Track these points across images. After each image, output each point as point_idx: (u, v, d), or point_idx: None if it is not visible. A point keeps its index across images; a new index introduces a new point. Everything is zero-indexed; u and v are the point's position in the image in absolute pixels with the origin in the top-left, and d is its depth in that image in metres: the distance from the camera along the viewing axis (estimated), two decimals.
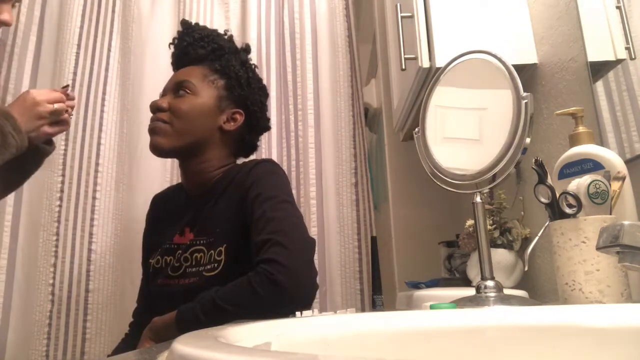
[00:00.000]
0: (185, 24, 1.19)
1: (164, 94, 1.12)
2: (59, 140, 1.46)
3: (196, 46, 1.13)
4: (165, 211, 1.19)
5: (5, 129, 0.90)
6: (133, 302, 1.21)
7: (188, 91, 1.07)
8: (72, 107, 1.08)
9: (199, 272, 1.00)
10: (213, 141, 1.09)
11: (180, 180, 1.19)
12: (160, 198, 1.24)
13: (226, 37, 1.18)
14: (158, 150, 1.06)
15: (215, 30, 1.17)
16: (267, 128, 1.21)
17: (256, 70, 1.19)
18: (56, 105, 0.99)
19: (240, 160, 1.17)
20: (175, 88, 1.09)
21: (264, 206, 0.96)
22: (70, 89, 1.13)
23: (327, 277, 1.49)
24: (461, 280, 1.17)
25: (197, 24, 1.19)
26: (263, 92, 1.18)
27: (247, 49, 1.20)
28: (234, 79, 1.11)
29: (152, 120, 1.07)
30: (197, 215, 1.07)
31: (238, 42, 1.22)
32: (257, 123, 1.15)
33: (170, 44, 1.19)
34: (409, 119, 1.31)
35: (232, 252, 0.99)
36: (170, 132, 1.05)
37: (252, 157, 1.23)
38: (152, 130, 1.06)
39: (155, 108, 1.07)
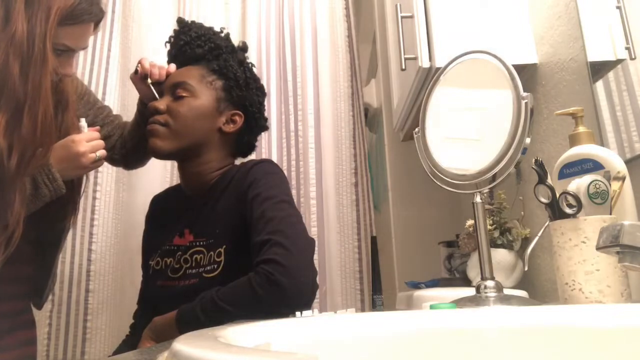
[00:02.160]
0: (181, 22, 1.18)
1: (161, 95, 1.11)
2: None
3: (193, 45, 1.13)
4: (164, 213, 1.18)
5: (39, 179, 0.87)
6: (133, 302, 1.21)
7: (186, 93, 1.07)
8: None
9: (199, 274, 1.00)
10: (212, 143, 1.09)
11: (179, 181, 1.19)
12: (159, 199, 1.24)
13: (222, 35, 1.17)
14: (157, 152, 1.06)
15: (211, 29, 1.17)
16: (265, 128, 1.21)
17: (254, 69, 1.19)
18: (98, 154, 0.96)
19: (238, 161, 1.17)
20: (173, 89, 1.08)
21: (263, 206, 0.95)
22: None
23: (327, 277, 1.49)
24: (461, 280, 1.17)
25: (193, 22, 1.19)
26: (261, 92, 1.18)
27: (244, 48, 1.19)
28: (232, 79, 1.10)
29: (150, 122, 1.07)
30: (196, 217, 1.07)
31: (237, 42, 1.22)
32: (256, 123, 1.15)
33: (166, 42, 1.19)
34: (409, 119, 1.31)
35: (231, 253, 0.99)
36: (168, 134, 1.05)
37: (252, 157, 1.23)
38: (151, 133, 1.06)
39: (153, 110, 1.07)
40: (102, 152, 0.97)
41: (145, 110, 1.12)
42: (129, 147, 1.18)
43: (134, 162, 1.24)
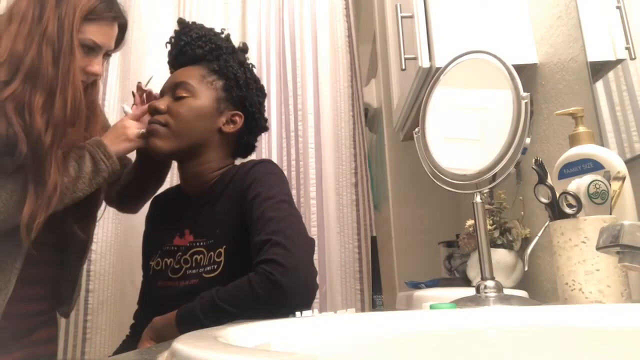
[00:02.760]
0: (181, 22, 1.18)
1: (161, 95, 1.11)
2: None
3: (194, 46, 1.13)
4: (164, 213, 1.18)
5: (97, 156, 1.00)
6: (133, 302, 1.21)
7: (186, 93, 1.07)
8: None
9: (199, 274, 1.00)
10: (212, 143, 1.09)
11: (179, 181, 1.19)
12: (159, 200, 1.24)
13: (223, 36, 1.17)
14: (156, 153, 1.06)
15: (212, 29, 1.17)
16: (265, 128, 1.21)
17: (254, 69, 1.19)
18: (143, 130, 1.07)
19: (238, 161, 1.17)
20: (173, 89, 1.08)
21: (263, 206, 0.95)
22: (145, 87, 1.21)
23: (327, 277, 1.49)
24: (461, 280, 1.17)
25: (193, 22, 1.19)
26: (261, 93, 1.18)
27: (244, 48, 1.19)
28: (232, 80, 1.10)
29: (150, 122, 1.07)
30: (196, 217, 1.07)
31: (237, 42, 1.22)
32: (256, 124, 1.15)
33: (167, 43, 1.19)
34: (409, 119, 1.31)
35: (231, 253, 0.99)
36: (168, 134, 1.05)
37: (252, 157, 1.23)
38: (150, 133, 1.06)
39: (153, 110, 1.07)
40: (147, 127, 1.08)
41: (146, 160, 1.15)
42: (122, 186, 1.20)
43: (125, 203, 1.27)
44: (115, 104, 1.59)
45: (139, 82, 1.22)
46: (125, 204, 1.27)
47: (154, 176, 1.22)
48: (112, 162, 1.01)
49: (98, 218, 1.15)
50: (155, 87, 1.17)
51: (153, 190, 1.25)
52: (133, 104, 1.17)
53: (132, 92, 1.21)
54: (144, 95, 1.19)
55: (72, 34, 0.93)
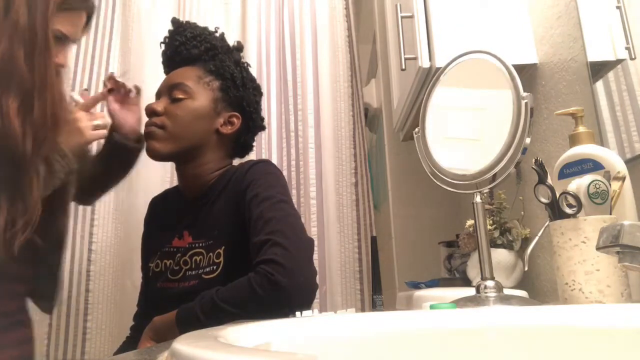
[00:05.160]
0: (175, 22, 1.18)
1: (158, 96, 1.10)
2: None
3: (189, 46, 1.12)
4: (163, 214, 1.18)
5: (50, 157, 0.89)
6: (133, 302, 1.21)
7: (183, 94, 1.06)
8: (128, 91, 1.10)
9: (199, 275, 1.00)
10: (209, 144, 1.09)
11: (178, 182, 1.19)
12: (158, 201, 1.24)
13: (217, 35, 1.17)
14: (154, 155, 1.06)
15: (206, 29, 1.16)
16: (263, 128, 1.21)
17: (249, 68, 1.18)
18: (97, 121, 1.00)
19: (237, 161, 1.16)
20: (170, 91, 1.07)
21: (262, 206, 0.95)
22: (119, 80, 1.12)
23: (327, 277, 1.49)
24: (461, 280, 1.17)
25: (187, 22, 1.18)
26: (258, 92, 1.17)
27: (239, 47, 1.19)
28: (229, 80, 1.10)
29: (147, 124, 1.06)
30: (195, 218, 1.06)
31: (237, 42, 1.22)
32: (253, 124, 1.15)
33: (161, 43, 1.18)
34: (409, 119, 1.31)
35: (230, 253, 0.99)
36: (166, 136, 1.05)
37: (251, 157, 1.23)
38: (148, 135, 1.05)
39: (150, 112, 1.07)
40: (103, 120, 1.01)
41: (113, 156, 1.10)
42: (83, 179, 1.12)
43: (83, 197, 1.20)
44: None
45: (112, 73, 1.17)
46: (83, 198, 1.20)
47: (121, 173, 1.17)
48: (68, 160, 0.92)
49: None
50: (152, 89, 1.16)
51: (116, 184, 1.20)
52: (85, 89, 1.10)
53: (104, 82, 1.12)
54: (115, 88, 1.11)
55: (46, 29, 0.83)
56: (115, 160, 1.11)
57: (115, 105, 1.10)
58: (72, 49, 1.58)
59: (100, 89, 1.55)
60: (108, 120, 1.01)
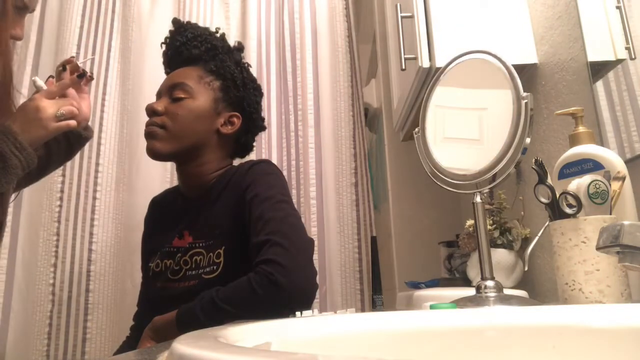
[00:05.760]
0: (176, 22, 1.18)
1: (159, 96, 1.11)
2: None
3: (189, 46, 1.13)
4: (163, 214, 1.18)
5: (7, 149, 0.80)
6: (133, 302, 1.21)
7: (184, 94, 1.06)
8: (89, 79, 0.96)
9: (199, 275, 1.00)
10: (210, 144, 1.09)
11: (178, 182, 1.19)
12: (158, 201, 1.24)
13: (218, 35, 1.17)
14: (155, 154, 1.06)
15: (207, 29, 1.17)
16: (263, 128, 1.21)
17: (250, 69, 1.19)
18: (62, 110, 0.87)
19: (237, 161, 1.16)
20: (171, 90, 1.08)
21: (262, 207, 0.95)
22: (80, 65, 0.97)
23: (327, 277, 1.49)
24: (461, 280, 1.17)
25: (188, 22, 1.19)
26: (258, 92, 1.18)
27: (239, 48, 1.19)
28: (229, 80, 1.10)
29: (148, 124, 1.06)
30: (195, 218, 1.06)
31: (235, 42, 1.22)
32: (254, 124, 1.15)
33: (162, 43, 1.19)
34: (409, 119, 1.31)
35: (230, 253, 0.99)
36: (166, 136, 1.05)
37: (251, 157, 1.23)
38: (149, 135, 1.05)
39: (151, 112, 1.07)
40: (67, 108, 0.88)
41: (59, 141, 0.99)
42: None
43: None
44: (116, 104, 1.59)
45: (73, 57, 1.03)
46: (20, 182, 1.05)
47: (63, 161, 1.05)
48: (27, 154, 0.82)
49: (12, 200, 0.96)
50: (153, 87, 1.16)
51: (54, 170, 1.07)
52: (48, 78, 0.94)
53: (63, 65, 0.96)
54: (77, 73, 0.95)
55: None
56: (61, 147, 1.00)
57: (72, 91, 0.95)
58: (72, 49, 1.58)
59: (100, 88, 1.57)
60: (73, 109, 0.88)
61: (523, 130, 0.67)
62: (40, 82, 0.91)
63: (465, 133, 0.78)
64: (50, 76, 0.93)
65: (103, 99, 1.56)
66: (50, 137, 0.88)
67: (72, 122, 0.90)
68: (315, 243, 1.44)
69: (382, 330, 0.50)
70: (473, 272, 1.03)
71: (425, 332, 0.50)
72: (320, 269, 1.45)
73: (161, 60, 1.20)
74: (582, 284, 0.60)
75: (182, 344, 0.30)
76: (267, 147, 1.57)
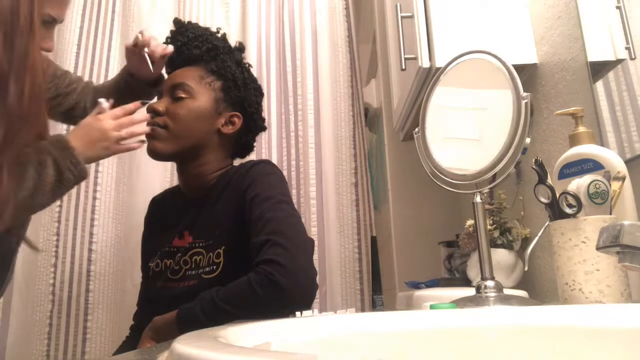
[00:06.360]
0: (177, 22, 1.18)
1: (159, 96, 1.11)
2: None
3: (191, 46, 1.13)
4: (163, 214, 1.18)
5: (62, 164, 0.84)
6: (133, 302, 1.21)
7: (185, 94, 1.06)
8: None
9: (198, 275, 1.00)
10: (211, 144, 1.09)
11: (178, 182, 1.19)
12: (158, 201, 1.24)
13: (219, 35, 1.17)
14: (156, 154, 1.06)
15: (208, 29, 1.17)
16: (264, 128, 1.21)
17: (250, 69, 1.19)
18: (124, 132, 0.93)
19: (237, 161, 1.17)
20: (172, 90, 1.08)
21: (262, 207, 0.95)
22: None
23: (327, 277, 1.49)
24: (461, 280, 1.17)
25: (189, 22, 1.18)
26: (259, 92, 1.18)
27: (240, 48, 1.19)
28: (230, 80, 1.10)
29: (149, 124, 1.06)
30: (195, 218, 1.06)
31: (236, 42, 1.22)
32: (254, 124, 1.15)
33: (163, 43, 1.19)
34: (409, 119, 1.31)
35: (230, 254, 0.99)
36: (167, 136, 1.05)
37: (251, 157, 1.23)
38: (150, 135, 1.05)
39: (152, 112, 1.07)
40: (128, 131, 0.94)
41: (132, 81, 1.10)
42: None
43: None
44: None
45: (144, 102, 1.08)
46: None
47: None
48: (80, 169, 0.86)
49: None
50: None
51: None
52: (108, 100, 1.00)
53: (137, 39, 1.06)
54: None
55: (31, 10, 0.75)
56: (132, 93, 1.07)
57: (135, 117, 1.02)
58: (72, 49, 1.58)
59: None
60: (135, 131, 0.95)
61: (523, 130, 0.67)
62: (106, 104, 0.96)
63: (465, 133, 0.78)
64: (109, 100, 0.98)
65: None
66: (108, 156, 0.94)
67: (135, 145, 0.97)
68: (315, 243, 1.44)
69: (382, 330, 0.50)
70: (473, 272, 1.03)
71: (425, 332, 0.50)
72: (320, 269, 1.45)
73: None
74: (582, 284, 0.60)
75: (182, 344, 0.30)
76: (267, 147, 1.57)
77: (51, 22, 0.86)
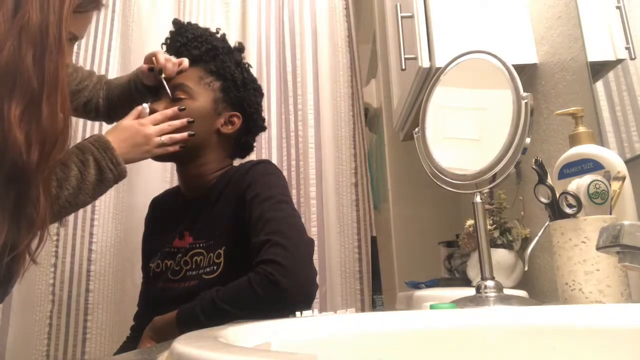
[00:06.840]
0: (177, 23, 1.18)
1: (159, 97, 1.11)
2: None
3: (190, 47, 1.12)
4: (164, 215, 1.18)
5: (103, 163, 0.87)
6: (133, 302, 1.21)
7: (184, 95, 1.06)
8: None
9: (199, 275, 1.00)
10: (210, 144, 1.09)
11: (178, 182, 1.19)
12: (158, 202, 1.24)
13: (219, 36, 1.17)
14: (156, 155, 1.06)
15: (207, 30, 1.17)
16: (263, 128, 1.21)
17: (250, 69, 1.19)
18: (164, 138, 0.98)
19: (237, 162, 1.17)
20: (172, 91, 1.08)
21: (262, 207, 0.95)
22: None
23: (327, 277, 1.49)
24: (461, 280, 1.17)
25: (189, 23, 1.18)
26: (259, 93, 1.17)
27: (240, 48, 1.19)
28: (229, 80, 1.10)
29: None
30: (195, 219, 1.07)
31: (235, 42, 1.22)
32: (254, 124, 1.15)
33: (162, 44, 1.19)
34: (409, 119, 1.31)
35: (231, 254, 0.99)
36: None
37: (251, 157, 1.23)
38: None
39: (152, 112, 1.07)
40: (168, 137, 0.99)
41: (143, 89, 1.12)
42: (118, 110, 1.14)
43: (118, 118, 1.12)
44: None
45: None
46: (117, 119, 1.12)
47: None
48: (120, 169, 0.90)
49: None
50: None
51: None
52: (149, 102, 1.06)
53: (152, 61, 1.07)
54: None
55: (60, 29, 0.76)
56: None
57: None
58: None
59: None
60: (175, 137, 1.00)
61: (523, 130, 0.67)
62: (147, 110, 1.01)
63: (465, 133, 0.78)
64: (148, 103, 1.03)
65: None
66: (147, 158, 0.98)
67: (172, 149, 1.01)
68: (315, 243, 1.44)
69: (382, 330, 0.50)
70: (473, 272, 1.03)
71: (425, 332, 0.50)
72: (320, 269, 1.45)
73: None
74: (582, 284, 0.60)
75: (182, 344, 0.30)
76: (267, 147, 1.57)
77: (72, 40, 0.88)
